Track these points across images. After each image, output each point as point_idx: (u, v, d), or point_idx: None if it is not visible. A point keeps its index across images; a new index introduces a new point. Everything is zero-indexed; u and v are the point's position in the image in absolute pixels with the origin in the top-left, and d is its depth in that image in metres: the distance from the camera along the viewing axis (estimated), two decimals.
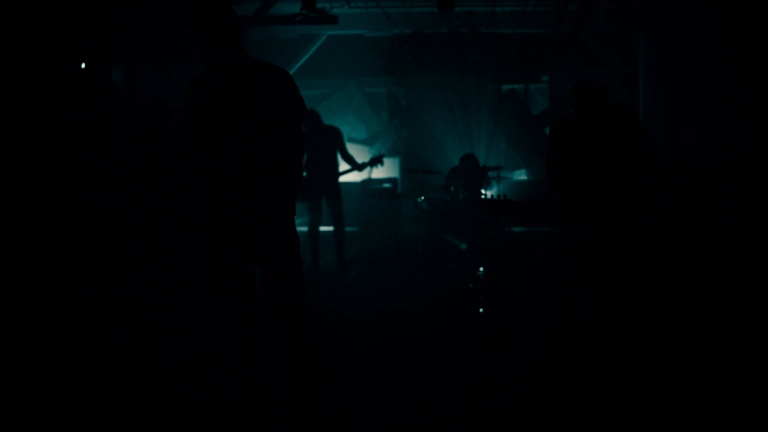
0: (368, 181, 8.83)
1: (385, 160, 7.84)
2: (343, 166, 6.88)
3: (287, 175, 2.85)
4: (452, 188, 8.46)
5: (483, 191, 8.05)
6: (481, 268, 6.05)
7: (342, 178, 6.95)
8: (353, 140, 9.97)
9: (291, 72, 10.42)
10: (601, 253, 3.82)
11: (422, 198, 8.12)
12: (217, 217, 2.87)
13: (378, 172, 8.68)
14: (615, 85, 7.17)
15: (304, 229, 6.71)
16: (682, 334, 4.05)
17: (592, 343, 3.81)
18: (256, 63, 2.86)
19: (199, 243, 2.96)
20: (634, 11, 8.00)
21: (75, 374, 3.65)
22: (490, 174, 8.81)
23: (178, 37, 6.07)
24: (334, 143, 6.79)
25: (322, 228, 6.83)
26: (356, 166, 6.88)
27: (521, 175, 10.40)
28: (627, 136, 3.81)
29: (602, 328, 3.79)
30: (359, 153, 8.91)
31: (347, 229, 7.11)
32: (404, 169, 9.83)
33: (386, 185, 8.98)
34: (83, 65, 5.48)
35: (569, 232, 3.95)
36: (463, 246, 7.79)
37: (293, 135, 2.84)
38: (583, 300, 3.87)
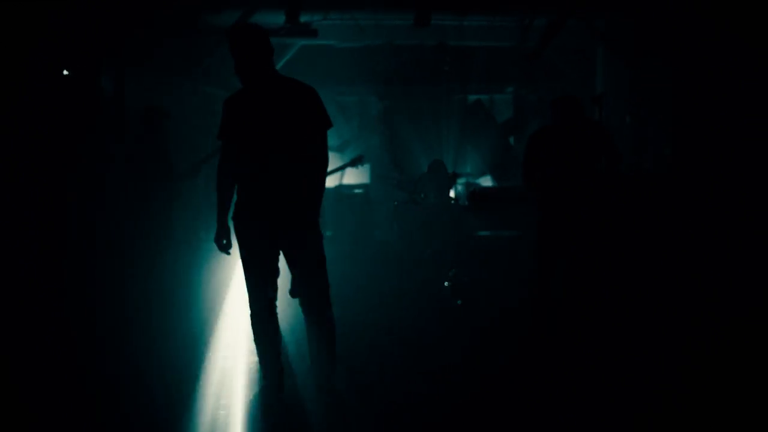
0: (340, 187, 9.12)
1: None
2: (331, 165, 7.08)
3: (315, 180, 3.20)
4: (422, 194, 8.84)
5: (452, 197, 8.45)
6: (454, 270, 6.39)
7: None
8: None
9: None
10: (569, 243, 4.26)
11: (396, 203, 8.45)
12: (252, 217, 3.19)
13: (349, 178, 8.98)
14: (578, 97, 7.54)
15: None
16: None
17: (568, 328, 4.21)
18: (286, 80, 3.19)
19: (238, 241, 3.25)
20: (594, 28, 8.51)
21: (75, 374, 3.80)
22: (459, 180, 9.19)
23: (166, 45, 6.26)
24: None
25: None
26: (339, 168, 7.08)
27: (486, 181, 10.82)
28: (597, 147, 4.26)
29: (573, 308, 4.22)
30: (331, 160, 9.15)
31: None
32: (376, 175, 10.14)
33: (357, 191, 9.28)
34: (71, 71, 5.62)
35: (542, 226, 4.38)
36: (433, 249, 8.13)
37: (320, 145, 3.18)
38: (556, 278, 4.32)
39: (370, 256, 8.08)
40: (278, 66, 10.34)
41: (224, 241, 3.26)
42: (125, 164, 4.89)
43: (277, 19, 8.45)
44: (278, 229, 3.19)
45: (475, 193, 4.67)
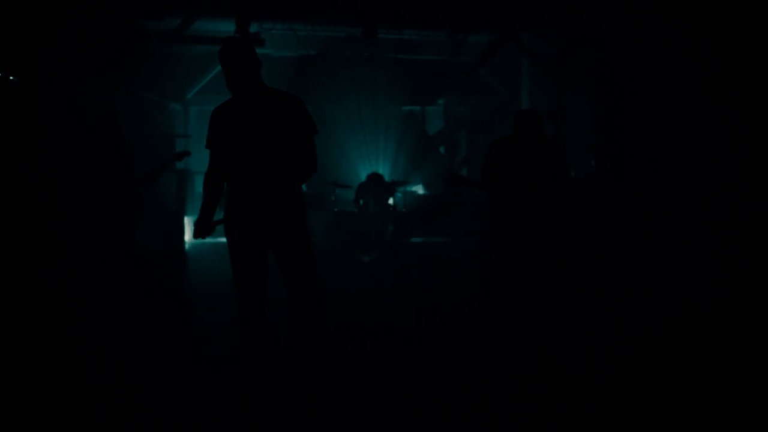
0: None
1: None
2: None
3: (302, 184, 3.38)
4: (361, 202, 9.07)
5: (391, 204, 8.74)
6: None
7: None
8: None
9: (197, 88, 10.62)
10: (524, 241, 4.64)
11: (336, 209, 8.62)
12: (241, 220, 3.32)
13: None
14: (502, 110, 8.06)
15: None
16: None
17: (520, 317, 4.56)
18: (273, 91, 3.34)
19: (228, 242, 3.35)
20: (522, 45, 9.04)
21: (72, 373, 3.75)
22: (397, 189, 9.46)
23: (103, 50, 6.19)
24: None
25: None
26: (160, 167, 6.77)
27: (419, 190, 11.18)
28: (549, 161, 4.66)
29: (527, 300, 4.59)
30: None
31: None
32: (312, 183, 10.26)
33: None
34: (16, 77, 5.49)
35: (496, 227, 4.73)
36: (371, 255, 8.36)
37: (308, 150, 3.35)
38: (511, 276, 4.68)
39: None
40: (211, 74, 10.36)
41: (201, 228, 3.37)
42: (80, 170, 4.79)
43: (218, 26, 8.50)
44: (268, 231, 3.33)
45: (453, 176, 4.98)
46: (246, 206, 3.31)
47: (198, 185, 9.47)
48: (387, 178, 9.52)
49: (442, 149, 11.31)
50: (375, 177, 8.95)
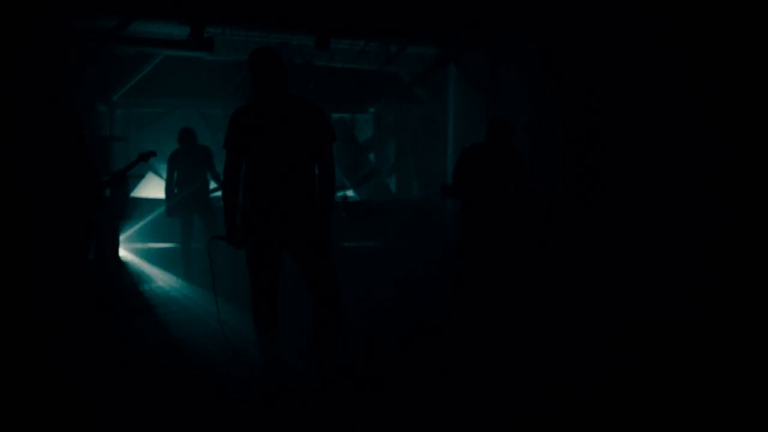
0: (211, 201, 9.12)
1: None
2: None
3: (326, 186, 3.55)
4: None
5: None
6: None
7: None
8: None
9: (125, 89, 10.40)
10: (491, 240, 4.99)
11: None
12: (261, 221, 3.46)
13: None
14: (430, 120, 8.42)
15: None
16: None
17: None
18: (295, 98, 3.54)
19: (246, 241, 3.50)
20: (463, 62, 9.40)
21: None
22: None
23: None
24: (205, 161, 6.96)
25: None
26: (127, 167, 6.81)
27: (350, 194, 11.36)
28: (513, 170, 5.03)
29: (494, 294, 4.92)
30: None
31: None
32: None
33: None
34: None
35: (467, 227, 5.05)
36: None
37: (329, 155, 3.56)
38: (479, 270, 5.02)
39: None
40: (139, 76, 10.17)
41: (237, 239, 3.52)
42: (41, 171, 4.66)
43: (148, 27, 8.42)
44: (288, 232, 3.48)
45: (444, 187, 5.27)
46: (266, 207, 3.45)
47: (132, 190, 9.25)
48: None
49: (372, 156, 11.56)
50: None
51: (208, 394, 3.56)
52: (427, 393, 3.60)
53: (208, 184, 7.08)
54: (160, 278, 7.44)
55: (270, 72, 3.45)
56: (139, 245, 8.75)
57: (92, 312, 5.00)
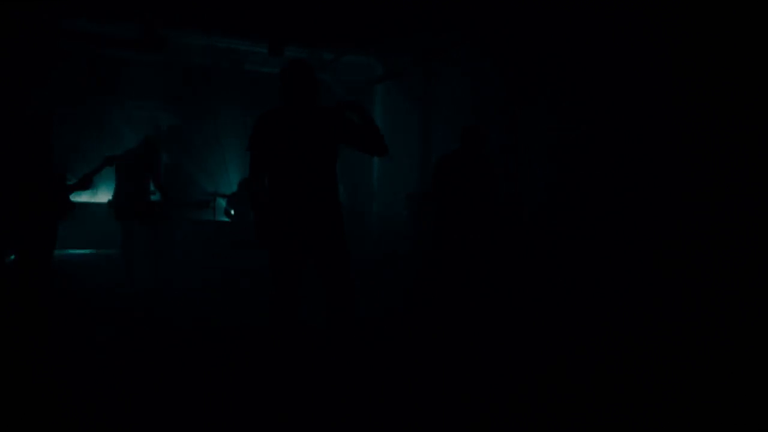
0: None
1: None
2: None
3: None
4: (232, 212, 9.06)
5: None
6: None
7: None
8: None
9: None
10: (466, 241, 5.26)
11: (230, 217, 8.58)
12: (284, 225, 3.40)
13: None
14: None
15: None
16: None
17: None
18: (322, 108, 3.49)
19: (268, 245, 3.42)
20: (389, 68, 9.68)
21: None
22: None
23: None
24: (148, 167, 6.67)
25: None
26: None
27: None
28: (486, 171, 5.32)
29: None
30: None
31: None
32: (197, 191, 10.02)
33: None
34: None
35: (442, 228, 5.29)
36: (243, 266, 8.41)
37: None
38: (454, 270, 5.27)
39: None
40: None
41: (265, 238, 3.44)
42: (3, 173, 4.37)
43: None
44: (308, 237, 3.43)
45: (427, 194, 5.51)
46: (289, 211, 3.42)
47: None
48: None
49: None
50: (246, 182, 8.98)
51: None
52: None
53: (148, 190, 6.76)
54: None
55: (307, 85, 3.43)
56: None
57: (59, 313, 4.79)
